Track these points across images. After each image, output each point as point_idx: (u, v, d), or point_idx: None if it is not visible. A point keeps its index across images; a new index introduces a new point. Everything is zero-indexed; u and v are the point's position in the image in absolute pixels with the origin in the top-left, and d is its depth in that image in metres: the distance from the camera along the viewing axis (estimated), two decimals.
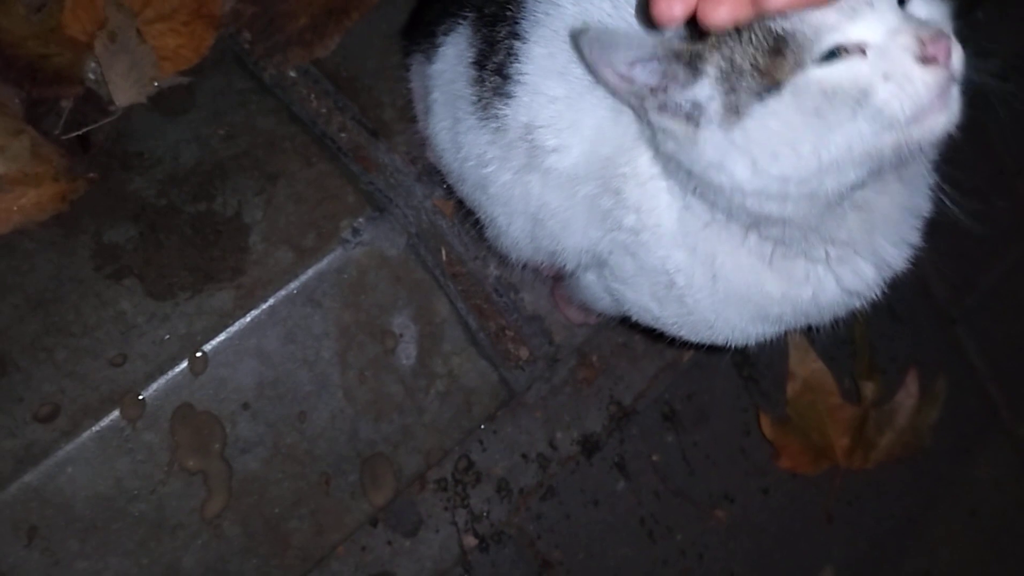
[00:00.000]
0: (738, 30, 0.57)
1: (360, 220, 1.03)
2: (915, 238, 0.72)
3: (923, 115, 0.56)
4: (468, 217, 0.96)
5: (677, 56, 0.60)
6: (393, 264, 1.04)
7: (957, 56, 0.56)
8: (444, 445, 1.08)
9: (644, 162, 0.69)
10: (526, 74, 0.72)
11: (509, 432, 1.12)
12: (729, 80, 0.59)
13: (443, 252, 1.07)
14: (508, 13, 0.73)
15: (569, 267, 0.84)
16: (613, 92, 0.64)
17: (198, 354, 0.97)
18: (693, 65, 0.60)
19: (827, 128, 0.57)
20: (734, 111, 0.59)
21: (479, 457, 1.11)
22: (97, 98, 1.06)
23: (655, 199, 0.70)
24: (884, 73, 0.56)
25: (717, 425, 1.23)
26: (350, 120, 1.08)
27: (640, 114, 0.65)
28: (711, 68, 0.59)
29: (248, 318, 0.99)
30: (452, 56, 0.82)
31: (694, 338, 0.79)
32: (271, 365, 1.00)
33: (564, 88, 0.70)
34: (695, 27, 0.57)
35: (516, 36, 0.72)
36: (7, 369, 0.94)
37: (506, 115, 0.74)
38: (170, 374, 0.96)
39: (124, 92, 1.06)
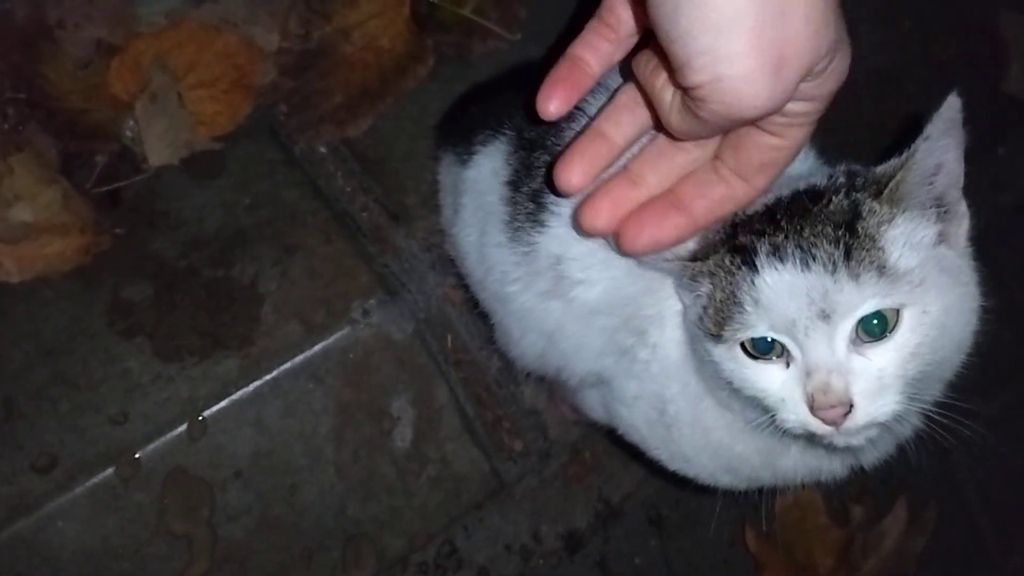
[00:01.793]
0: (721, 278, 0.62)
1: (371, 302, 1.05)
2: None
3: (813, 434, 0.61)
4: (481, 315, 0.97)
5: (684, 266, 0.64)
6: (398, 348, 1.06)
7: (863, 414, 0.58)
8: (430, 529, 1.09)
9: (672, 304, 0.71)
10: (561, 205, 0.71)
11: (495, 522, 1.13)
12: (707, 304, 0.63)
13: (449, 340, 1.08)
14: (549, 143, 0.74)
15: (572, 383, 0.85)
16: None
17: (198, 419, 0.99)
18: (694, 277, 0.64)
19: (747, 388, 0.62)
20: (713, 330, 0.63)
21: (463, 544, 1.12)
22: (131, 156, 1.09)
23: (671, 334, 0.72)
24: (783, 398, 0.60)
25: (702, 533, 1.23)
26: (373, 201, 1.10)
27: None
28: (703, 287, 0.64)
29: (251, 388, 1.00)
30: (487, 168, 0.81)
31: (671, 466, 0.80)
32: (268, 436, 1.01)
33: None
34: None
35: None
36: (11, 415, 0.96)
37: (536, 243, 0.74)
38: (168, 436, 0.98)
39: (159, 153, 1.09)
